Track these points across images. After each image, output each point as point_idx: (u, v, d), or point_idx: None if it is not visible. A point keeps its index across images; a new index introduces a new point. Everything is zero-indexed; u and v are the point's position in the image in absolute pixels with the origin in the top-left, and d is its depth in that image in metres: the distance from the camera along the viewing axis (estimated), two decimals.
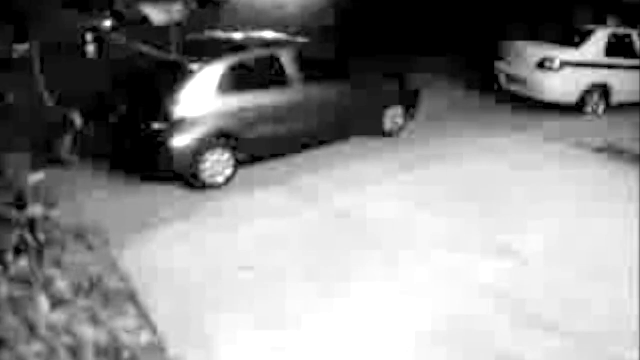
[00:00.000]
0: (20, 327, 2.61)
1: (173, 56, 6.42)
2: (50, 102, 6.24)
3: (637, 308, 4.15)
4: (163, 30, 8.76)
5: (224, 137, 6.12)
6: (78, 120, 6.37)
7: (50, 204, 3.42)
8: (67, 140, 6.41)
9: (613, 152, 7.42)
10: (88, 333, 2.77)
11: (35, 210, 3.33)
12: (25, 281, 2.90)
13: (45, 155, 6.03)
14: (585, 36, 9.28)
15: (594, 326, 3.99)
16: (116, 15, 8.99)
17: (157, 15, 9.29)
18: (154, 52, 6.57)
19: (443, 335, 3.87)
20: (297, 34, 7.98)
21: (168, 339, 3.66)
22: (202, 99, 6.00)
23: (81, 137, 6.47)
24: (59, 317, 2.74)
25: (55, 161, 6.25)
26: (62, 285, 2.97)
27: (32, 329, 2.62)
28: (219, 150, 6.11)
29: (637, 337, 3.87)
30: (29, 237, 3.21)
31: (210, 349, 3.67)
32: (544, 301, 4.27)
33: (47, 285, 2.96)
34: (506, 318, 4.05)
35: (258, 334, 3.83)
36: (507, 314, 4.09)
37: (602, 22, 9.69)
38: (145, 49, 6.76)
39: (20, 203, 3.35)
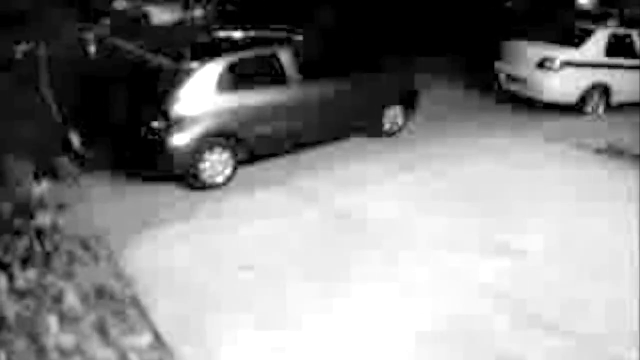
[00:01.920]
0: (29, 349, 2.58)
1: (173, 55, 6.40)
2: (52, 103, 6.22)
3: (637, 308, 4.15)
4: (165, 29, 8.77)
5: (223, 136, 6.13)
6: (76, 140, 6.35)
7: (57, 212, 3.39)
8: (66, 157, 6.38)
9: (613, 152, 7.41)
10: (98, 353, 2.74)
11: (43, 219, 3.29)
12: (33, 294, 2.87)
13: (46, 163, 5.98)
14: (585, 36, 9.27)
15: (594, 326, 3.99)
16: (116, 15, 8.99)
17: (158, 14, 9.30)
18: (155, 51, 6.56)
19: (443, 335, 3.87)
20: (296, 32, 7.97)
21: (168, 338, 3.66)
22: (201, 97, 6.00)
23: (80, 155, 6.43)
24: (68, 338, 2.71)
25: (55, 172, 6.21)
26: (72, 299, 2.93)
27: (41, 350, 2.59)
28: (218, 150, 6.11)
29: (636, 337, 3.87)
30: (36, 247, 3.18)
31: (210, 349, 3.67)
32: (544, 301, 4.27)
33: (57, 299, 2.93)
34: (506, 318, 4.05)
35: (258, 334, 3.83)
36: (507, 314, 4.10)
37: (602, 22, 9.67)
38: (139, 51, 6.74)
39: (27, 212, 3.32)
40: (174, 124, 5.80)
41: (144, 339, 3.23)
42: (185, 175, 6.01)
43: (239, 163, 6.34)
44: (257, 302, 4.18)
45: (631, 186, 6.34)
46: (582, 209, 5.84)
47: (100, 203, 5.68)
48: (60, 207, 3.52)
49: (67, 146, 6.34)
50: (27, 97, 6.10)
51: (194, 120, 5.90)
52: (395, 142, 7.76)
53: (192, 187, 6.10)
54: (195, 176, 6.01)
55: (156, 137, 5.80)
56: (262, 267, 4.61)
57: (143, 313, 3.88)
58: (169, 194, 6.05)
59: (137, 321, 3.67)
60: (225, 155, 6.18)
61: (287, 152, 7.03)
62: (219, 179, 6.18)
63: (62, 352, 2.65)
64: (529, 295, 4.33)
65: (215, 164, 6.11)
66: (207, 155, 6.02)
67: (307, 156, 7.13)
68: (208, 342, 3.73)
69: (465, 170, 6.78)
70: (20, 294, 2.86)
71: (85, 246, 3.61)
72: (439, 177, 6.52)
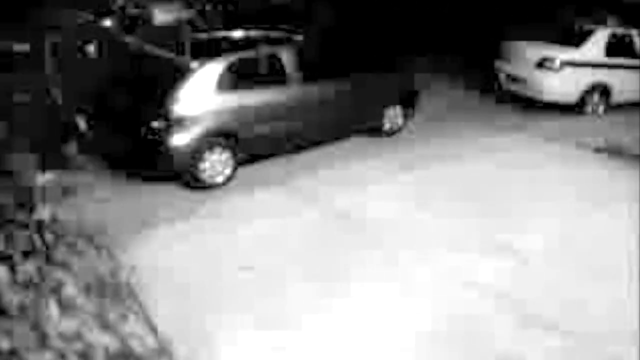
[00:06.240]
0: (30, 335, 2.59)
1: (173, 55, 6.40)
2: (60, 101, 6.23)
3: (636, 308, 4.16)
4: (166, 29, 8.76)
5: (223, 136, 6.13)
6: (82, 124, 6.36)
7: (61, 200, 3.41)
8: (73, 143, 6.40)
9: (613, 152, 7.41)
10: (98, 339, 2.76)
11: (43, 212, 3.31)
12: (34, 285, 2.88)
13: (52, 156, 6.00)
14: (585, 36, 9.27)
15: (593, 326, 4.00)
16: (117, 14, 8.98)
17: (158, 14, 9.28)
18: (155, 51, 6.55)
19: (443, 335, 3.87)
20: (296, 32, 7.96)
21: (168, 338, 3.66)
22: (201, 97, 6.00)
23: (84, 140, 6.46)
24: (69, 324, 2.73)
25: (61, 163, 6.22)
26: (71, 289, 2.95)
27: (42, 337, 2.60)
28: (218, 150, 6.11)
29: (636, 336, 3.87)
30: (37, 240, 3.19)
31: (210, 349, 3.67)
32: (544, 301, 4.27)
33: (57, 289, 2.94)
34: (506, 318, 4.06)
35: (258, 334, 3.84)
36: (507, 314, 4.10)
37: (602, 22, 9.66)
38: (146, 47, 6.74)
39: (29, 204, 3.33)
40: (174, 124, 5.80)
41: (144, 328, 3.24)
42: (185, 175, 6.01)
43: (239, 163, 6.35)
44: (257, 302, 4.18)
45: (631, 186, 6.34)
46: (582, 209, 5.84)
47: (100, 202, 5.68)
48: (65, 192, 3.53)
49: (73, 131, 6.35)
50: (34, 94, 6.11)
51: (194, 120, 5.90)
52: (396, 142, 7.76)
53: (192, 187, 6.10)
54: (195, 176, 6.01)
55: (156, 137, 5.79)
56: (262, 267, 4.61)
57: (144, 311, 3.88)
58: (169, 193, 6.05)
59: (136, 311, 3.68)
60: (225, 155, 6.18)
61: (287, 152, 7.03)
62: (219, 179, 6.18)
63: (63, 338, 2.66)
64: (529, 295, 4.33)
65: (215, 164, 6.11)
66: (207, 155, 6.02)
67: (307, 156, 7.13)
68: (208, 342, 3.73)
69: (465, 169, 6.78)
70: (21, 285, 2.87)
71: (88, 239, 3.63)
72: (439, 177, 6.53)
